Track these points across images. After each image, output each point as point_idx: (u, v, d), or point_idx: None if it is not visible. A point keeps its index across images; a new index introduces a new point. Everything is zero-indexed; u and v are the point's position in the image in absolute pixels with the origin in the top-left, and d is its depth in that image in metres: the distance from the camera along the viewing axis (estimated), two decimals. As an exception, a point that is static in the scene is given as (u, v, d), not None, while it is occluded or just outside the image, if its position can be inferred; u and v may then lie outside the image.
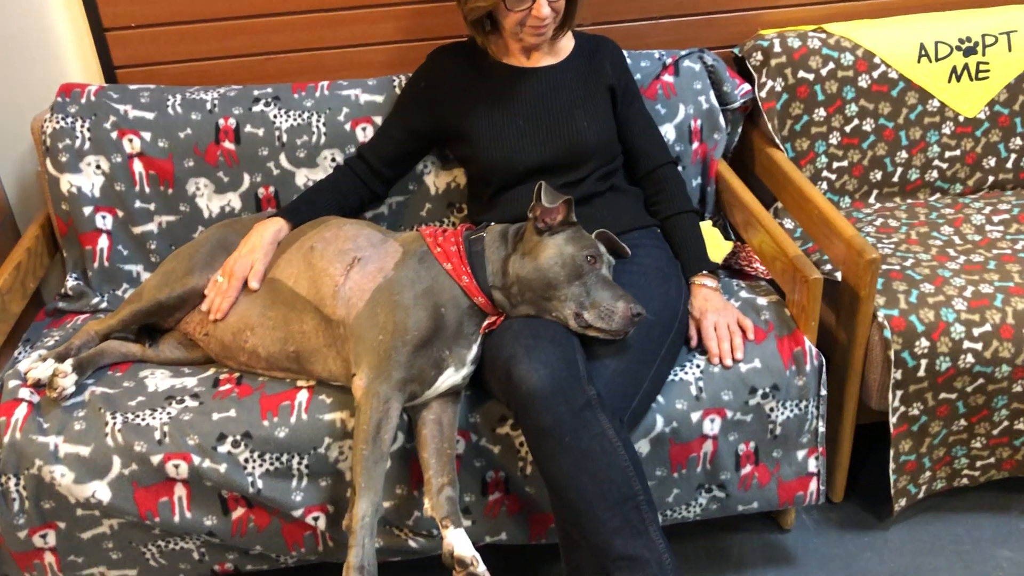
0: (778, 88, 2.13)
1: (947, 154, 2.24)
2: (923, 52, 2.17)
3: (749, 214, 1.97)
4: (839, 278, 1.84)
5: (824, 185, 2.23)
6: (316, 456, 1.63)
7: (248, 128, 1.98)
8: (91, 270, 1.99)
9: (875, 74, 2.17)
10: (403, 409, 1.62)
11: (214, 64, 2.12)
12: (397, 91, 2.02)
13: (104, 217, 1.98)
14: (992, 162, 2.26)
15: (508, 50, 1.88)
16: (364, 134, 2.00)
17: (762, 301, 1.84)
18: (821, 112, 2.17)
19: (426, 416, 1.63)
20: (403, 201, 2.04)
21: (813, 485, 1.81)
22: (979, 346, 1.78)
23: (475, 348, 1.64)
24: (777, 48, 2.13)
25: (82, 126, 1.95)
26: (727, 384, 1.71)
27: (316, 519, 1.65)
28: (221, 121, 1.98)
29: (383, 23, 2.14)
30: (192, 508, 1.63)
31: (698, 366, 1.72)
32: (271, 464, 1.62)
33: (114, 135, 1.96)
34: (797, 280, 1.76)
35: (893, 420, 1.82)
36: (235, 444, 1.61)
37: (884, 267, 1.91)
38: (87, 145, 1.96)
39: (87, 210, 1.96)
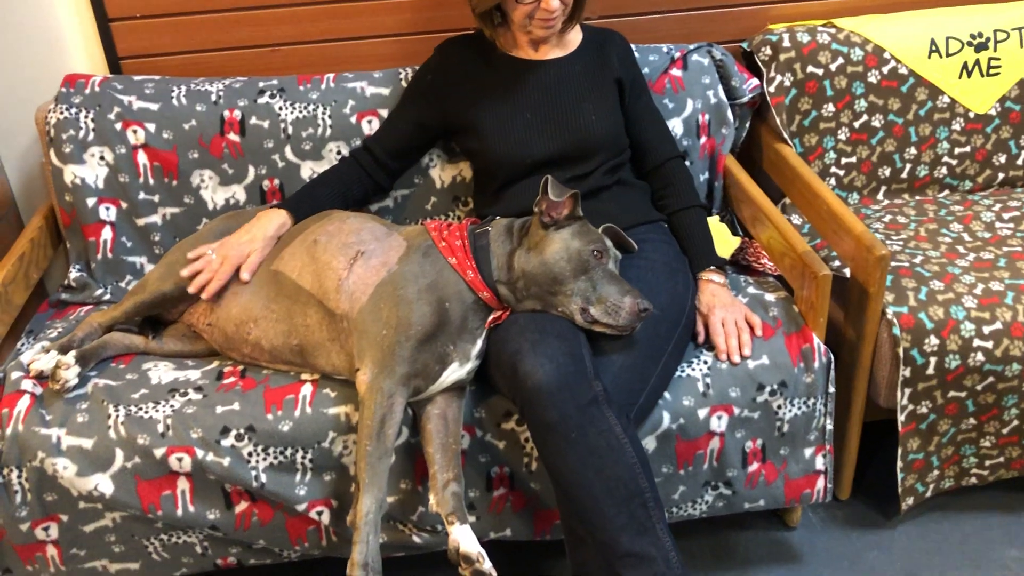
0: (787, 83, 2.12)
1: (957, 151, 2.23)
2: (934, 47, 2.16)
3: (757, 209, 1.95)
4: (847, 274, 1.82)
5: (832, 181, 2.21)
6: (320, 450, 1.62)
7: (253, 120, 1.97)
8: (94, 261, 1.98)
9: (885, 69, 2.15)
10: (408, 404, 1.61)
11: (219, 55, 2.11)
12: (403, 84, 2.00)
13: (108, 208, 1.97)
14: (1002, 159, 2.25)
15: (516, 43, 1.87)
16: (370, 127, 1.99)
17: (770, 297, 1.83)
18: (830, 107, 2.15)
19: (431, 411, 1.62)
20: (408, 194, 2.03)
21: (820, 483, 1.79)
22: (989, 344, 1.76)
23: (480, 343, 1.63)
24: (786, 43, 2.11)
25: (86, 117, 1.94)
26: (734, 381, 1.69)
27: (320, 514, 1.64)
28: (226, 113, 1.97)
29: (390, 15, 2.12)
30: (195, 502, 1.63)
31: (705, 362, 1.71)
32: (275, 458, 1.61)
33: (118, 126, 1.95)
34: (806, 276, 1.74)
35: (901, 418, 1.81)
36: (239, 438, 1.60)
37: (893, 264, 1.90)
38: (91, 136, 1.95)
39: (91, 201, 1.95)
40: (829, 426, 1.77)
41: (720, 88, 2.10)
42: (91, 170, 1.95)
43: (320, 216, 1.81)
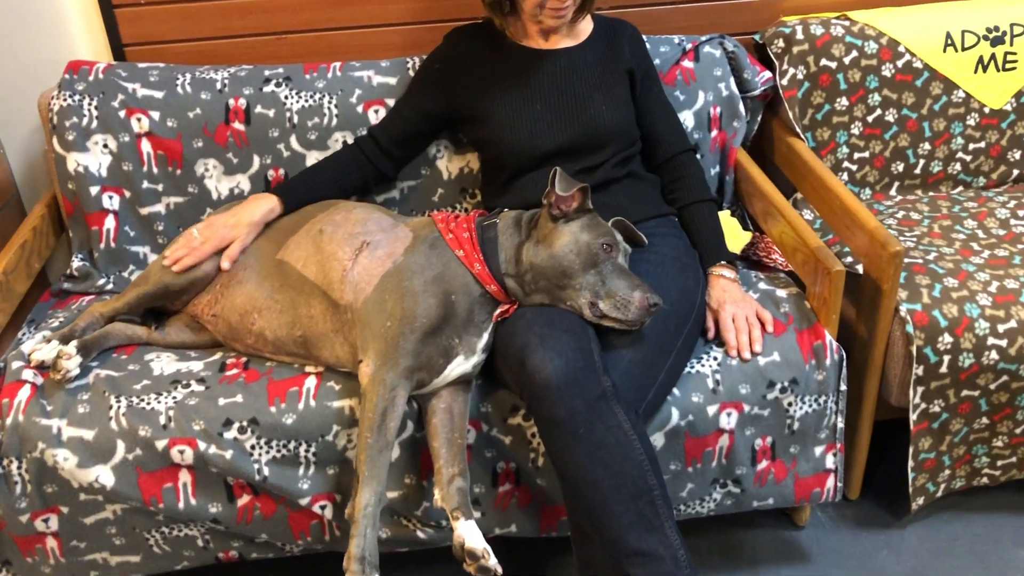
0: (800, 76, 2.09)
1: (971, 146, 2.20)
2: (949, 41, 2.13)
3: (769, 204, 1.93)
4: (860, 271, 1.80)
5: (844, 176, 2.18)
6: (324, 444, 1.60)
7: (259, 109, 1.95)
8: (97, 251, 1.96)
9: (899, 63, 2.12)
10: (413, 397, 1.59)
11: (225, 43, 2.09)
12: (411, 73, 1.98)
13: (111, 197, 1.95)
14: (1017, 155, 2.22)
15: (526, 32, 1.85)
16: (376, 116, 1.96)
17: (781, 293, 1.81)
18: (843, 101, 2.12)
19: (436, 405, 1.60)
20: (415, 186, 2.01)
21: (830, 482, 1.77)
22: (1004, 343, 1.74)
23: (486, 336, 1.61)
24: (799, 35, 2.09)
25: (90, 104, 1.92)
26: (745, 377, 1.67)
27: (323, 508, 1.63)
28: (231, 101, 1.95)
29: (398, 3, 2.10)
30: (197, 495, 1.61)
31: (715, 358, 1.69)
32: (278, 451, 1.59)
33: (122, 114, 1.93)
34: (819, 272, 1.72)
35: (913, 417, 1.79)
36: (241, 430, 1.58)
37: (906, 260, 1.87)
38: (94, 124, 1.92)
39: (94, 190, 1.93)
40: (840, 424, 1.74)
41: (732, 80, 2.07)
42: (94, 158, 1.93)
43: (326, 205, 1.79)
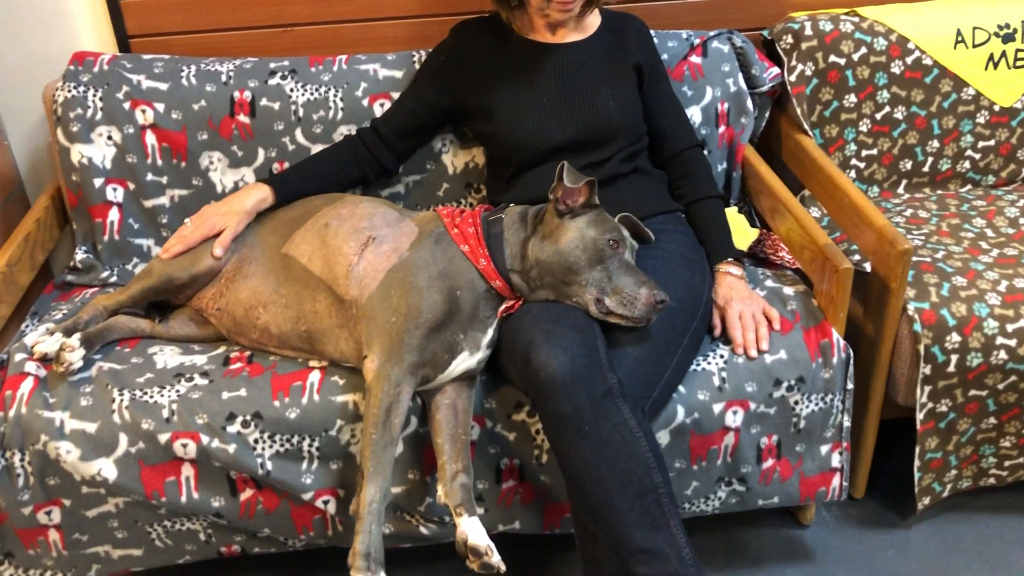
0: (808, 72, 2.08)
1: (980, 144, 2.18)
2: (960, 38, 2.11)
3: (777, 201, 1.91)
4: (868, 269, 1.78)
5: (852, 173, 2.17)
6: (327, 439, 1.59)
7: (264, 101, 1.94)
8: (101, 243, 1.96)
9: (909, 60, 2.10)
10: (417, 393, 1.58)
11: (230, 35, 2.08)
12: (417, 66, 1.97)
13: (115, 189, 1.94)
14: (1027, 153, 2.20)
15: (533, 26, 1.83)
16: (382, 110, 1.95)
17: (789, 291, 1.79)
18: (852, 98, 2.11)
19: (440, 401, 1.59)
20: (420, 180, 2.00)
21: (836, 481, 1.76)
22: (1013, 342, 1.72)
23: (491, 332, 1.60)
24: (808, 31, 2.07)
25: (94, 95, 1.91)
26: (751, 375, 1.66)
27: (326, 503, 1.62)
28: (236, 94, 1.94)
29: (404, -4, 2.09)
30: (199, 489, 1.60)
31: (721, 356, 1.68)
32: (281, 446, 1.59)
33: (127, 105, 1.92)
34: (827, 270, 1.70)
35: (920, 416, 1.77)
36: (245, 424, 1.58)
37: (914, 259, 1.86)
38: (99, 115, 1.92)
39: (98, 182, 1.93)
40: (846, 423, 1.73)
41: (740, 76, 2.06)
42: (99, 150, 1.92)
43: (332, 199, 1.78)
